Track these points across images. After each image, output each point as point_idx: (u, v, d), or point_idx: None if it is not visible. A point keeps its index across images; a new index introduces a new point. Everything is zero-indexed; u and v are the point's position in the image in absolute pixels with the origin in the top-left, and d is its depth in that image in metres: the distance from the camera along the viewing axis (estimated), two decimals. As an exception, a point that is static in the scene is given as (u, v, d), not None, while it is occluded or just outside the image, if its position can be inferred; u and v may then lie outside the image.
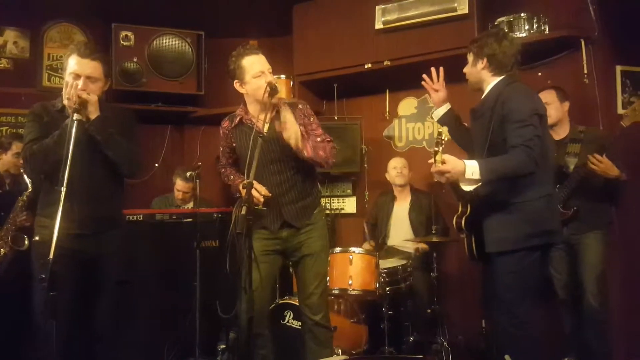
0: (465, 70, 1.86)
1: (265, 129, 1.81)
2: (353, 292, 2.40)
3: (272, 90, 1.77)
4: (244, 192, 1.63)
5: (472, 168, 1.55)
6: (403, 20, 2.75)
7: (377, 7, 2.83)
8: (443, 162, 1.57)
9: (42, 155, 1.70)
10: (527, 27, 2.54)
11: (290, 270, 2.12)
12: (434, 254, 2.64)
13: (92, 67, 1.76)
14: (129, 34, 3.10)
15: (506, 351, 1.66)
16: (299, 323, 2.21)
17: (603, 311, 2.12)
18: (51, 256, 1.41)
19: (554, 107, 2.22)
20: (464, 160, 1.58)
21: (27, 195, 2.19)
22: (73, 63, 1.75)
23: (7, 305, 2.22)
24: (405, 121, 3.29)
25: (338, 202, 3.34)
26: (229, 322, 2.39)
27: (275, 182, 1.86)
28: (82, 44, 1.90)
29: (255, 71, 1.82)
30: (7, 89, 3.01)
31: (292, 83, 3.13)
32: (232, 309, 1.85)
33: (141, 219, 2.60)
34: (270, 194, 1.79)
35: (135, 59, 3.09)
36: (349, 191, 3.34)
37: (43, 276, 1.41)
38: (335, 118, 3.29)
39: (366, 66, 2.89)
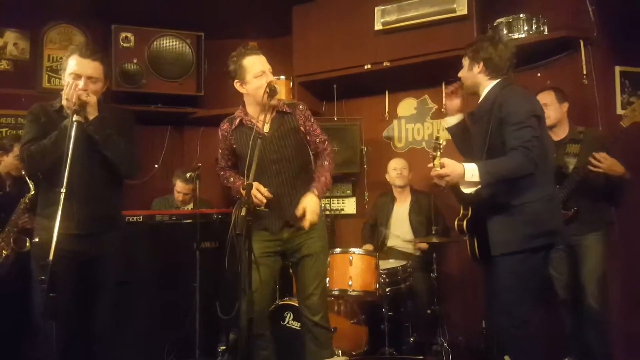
0: (460, 74, 1.87)
1: (266, 130, 1.82)
2: (353, 293, 2.40)
3: (272, 91, 1.78)
4: (244, 193, 1.64)
5: (471, 171, 1.57)
6: (402, 21, 2.76)
7: (376, 8, 2.83)
8: (442, 166, 1.58)
9: (40, 155, 1.71)
10: (526, 28, 2.55)
11: (290, 271, 2.12)
12: (434, 255, 2.64)
13: (93, 67, 1.77)
14: (129, 35, 3.10)
15: (506, 351, 1.67)
16: (299, 324, 2.21)
17: (603, 312, 2.12)
18: (51, 257, 1.41)
19: (553, 108, 2.22)
20: (463, 164, 1.59)
21: (30, 197, 2.19)
22: (74, 63, 1.76)
23: (7, 305, 2.22)
24: (404, 122, 3.29)
25: (338, 203, 3.34)
26: (229, 323, 2.39)
27: (276, 183, 1.87)
28: (83, 44, 1.91)
29: (256, 71, 1.82)
30: (7, 90, 3.01)
31: (291, 84, 3.13)
32: (232, 310, 1.85)
33: (141, 220, 2.60)
34: (271, 195, 1.79)
35: (135, 60, 3.09)
36: (348, 192, 3.34)
37: (43, 277, 1.41)
38: (335, 119, 3.29)
39: (366, 67, 2.89)
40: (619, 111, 2.49)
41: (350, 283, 2.39)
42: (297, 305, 2.21)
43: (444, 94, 2.02)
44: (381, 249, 2.88)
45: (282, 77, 3.07)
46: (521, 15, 2.56)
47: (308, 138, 1.94)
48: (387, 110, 3.27)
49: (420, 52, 2.74)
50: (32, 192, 2.16)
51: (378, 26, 2.83)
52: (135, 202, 2.94)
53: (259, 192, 1.76)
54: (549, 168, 1.74)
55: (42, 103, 1.85)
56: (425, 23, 2.70)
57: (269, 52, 1.93)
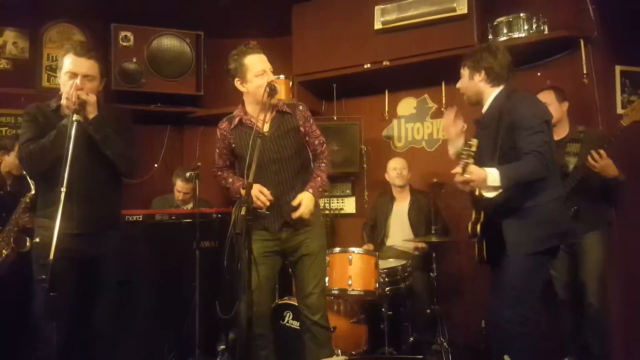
0: (460, 85, 1.90)
1: (265, 129, 1.82)
2: (352, 293, 2.40)
3: (272, 90, 1.78)
4: (244, 192, 1.63)
5: (493, 175, 1.62)
6: (402, 21, 2.75)
7: (376, 7, 2.83)
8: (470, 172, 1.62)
9: (39, 155, 1.71)
10: (526, 27, 2.54)
11: (290, 270, 2.12)
12: (434, 254, 2.64)
13: (88, 65, 1.76)
14: (128, 34, 3.10)
15: (507, 348, 1.69)
16: (298, 323, 2.21)
17: (603, 311, 2.12)
18: (51, 257, 1.41)
19: (553, 107, 2.22)
20: (485, 169, 1.64)
21: (30, 196, 2.19)
22: (69, 62, 1.75)
23: (7, 306, 2.22)
24: (404, 121, 3.29)
25: (337, 202, 3.34)
26: (229, 322, 2.39)
27: (275, 182, 1.87)
28: (78, 43, 1.90)
29: (257, 70, 1.82)
30: (6, 90, 3.01)
31: (291, 83, 3.13)
32: (232, 309, 1.85)
33: (140, 219, 2.60)
34: (272, 199, 1.80)
35: (134, 59, 3.08)
36: (348, 191, 3.34)
37: (43, 277, 1.41)
38: (335, 118, 3.29)
39: (365, 66, 2.89)
40: (619, 111, 2.49)
41: (349, 282, 2.39)
42: (296, 304, 2.21)
43: (444, 118, 2.02)
44: (380, 249, 2.88)
45: (282, 77, 3.06)
46: (521, 14, 2.56)
47: (307, 139, 1.94)
48: (386, 109, 3.27)
49: (420, 52, 2.73)
50: (33, 192, 2.16)
51: (378, 25, 2.82)
52: (135, 201, 2.94)
53: (262, 195, 1.76)
54: (557, 170, 1.81)
55: (39, 103, 1.85)
56: (425, 22, 2.70)
57: (268, 52, 1.92)
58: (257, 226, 1.82)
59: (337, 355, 2.27)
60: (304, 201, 1.83)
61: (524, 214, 1.69)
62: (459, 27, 2.64)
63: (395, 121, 3.30)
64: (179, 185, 3.04)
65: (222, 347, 2.61)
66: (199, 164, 2.71)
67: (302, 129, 1.92)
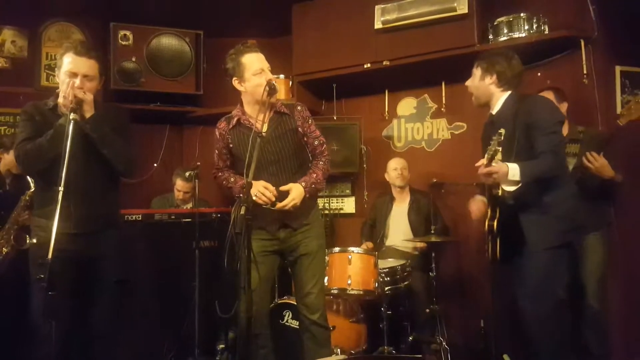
0: (470, 83, 1.96)
1: (264, 130, 1.81)
2: (352, 292, 2.40)
3: (271, 89, 1.77)
4: (244, 192, 1.63)
5: (513, 170, 1.69)
6: (402, 20, 2.75)
7: (376, 7, 2.82)
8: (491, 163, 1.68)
9: (36, 154, 1.70)
10: (526, 27, 2.54)
11: (289, 270, 2.12)
12: (433, 254, 2.64)
13: (88, 65, 1.76)
14: (128, 33, 3.09)
15: (537, 341, 1.73)
16: (298, 323, 2.21)
17: (603, 312, 2.12)
18: (50, 256, 1.41)
19: (553, 107, 2.22)
20: (507, 163, 1.70)
21: (30, 194, 2.18)
22: (69, 61, 1.75)
23: (6, 304, 2.22)
24: (404, 121, 3.29)
25: (337, 202, 3.34)
26: (228, 321, 2.39)
27: (273, 183, 1.86)
28: (78, 42, 1.89)
29: (255, 69, 1.81)
30: (5, 89, 3.00)
31: (291, 83, 3.13)
32: (231, 308, 1.85)
33: (140, 218, 2.59)
34: (277, 194, 1.79)
35: (133, 59, 3.08)
36: (348, 191, 3.34)
37: (42, 276, 1.40)
38: (335, 118, 3.28)
39: (365, 66, 2.89)
40: (619, 111, 2.49)
41: (349, 282, 2.39)
42: (295, 304, 2.21)
43: (475, 203, 2.08)
44: (380, 249, 2.88)
45: (282, 76, 3.06)
46: (522, 14, 2.56)
47: (306, 139, 1.93)
48: (386, 109, 3.27)
49: (420, 51, 2.73)
50: (32, 189, 2.16)
51: (378, 25, 2.82)
52: (134, 200, 2.93)
53: (267, 191, 1.75)
54: (566, 168, 1.91)
55: (36, 102, 1.84)
56: (426, 22, 2.70)
57: (268, 51, 1.92)
58: (255, 226, 1.81)
59: (337, 354, 2.28)
60: (292, 192, 1.79)
61: (544, 209, 1.75)
62: (459, 27, 2.63)
63: (395, 121, 3.30)
64: (179, 184, 3.04)
65: (222, 346, 2.61)
66: (198, 163, 2.71)
67: (300, 129, 1.91)
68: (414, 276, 2.68)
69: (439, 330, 2.51)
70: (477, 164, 1.72)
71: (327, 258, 2.38)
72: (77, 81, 1.72)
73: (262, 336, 1.90)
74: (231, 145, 1.92)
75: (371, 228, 3.05)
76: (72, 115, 1.63)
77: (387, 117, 3.27)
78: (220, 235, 2.60)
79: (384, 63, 2.83)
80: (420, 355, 2.48)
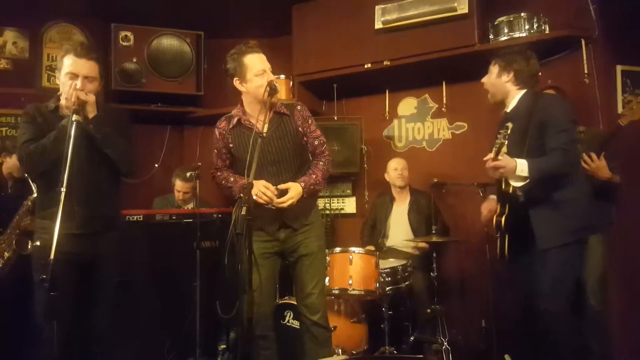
0: (486, 81, 1.96)
1: (265, 130, 1.81)
2: (353, 292, 2.40)
3: (272, 90, 1.77)
4: (245, 192, 1.63)
5: (522, 165, 1.69)
6: (403, 20, 2.75)
7: (376, 7, 2.83)
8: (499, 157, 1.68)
9: (39, 155, 1.71)
10: (527, 27, 2.54)
11: (290, 270, 2.12)
12: (434, 254, 2.64)
13: (89, 67, 1.76)
14: (128, 34, 3.10)
15: (553, 339, 1.73)
16: (299, 323, 2.21)
17: (603, 312, 2.12)
18: (52, 256, 1.41)
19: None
20: (515, 159, 1.70)
21: (32, 199, 2.19)
22: (69, 63, 1.75)
23: (8, 306, 2.22)
24: (404, 121, 3.29)
25: (338, 202, 3.34)
26: (229, 322, 2.39)
27: (274, 183, 1.85)
28: (78, 44, 1.89)
29: (257, 69, 1.81)
30: (6, 90, 3.00)
31: (291, 83, 3.13)
32: (232, 309, 1.85)
33: (141, 219, 2.60)
34: (277, 192, 1.79)
35: (134, 59, 3.08)
36: (348, 191, 3.34)
37: (44, 276, 1.41)
38: (335, 118, 3.29)
39: (366, 66, 2.89)
40: (620, 110, 2.49)
41: (350, 282, 2.39)
42: (296, 304, 2.21)
43: (489, 203, 2.05)
44: (381, 249, 2.88)
45: (282, 77, 3.06)
46: (522, 14, 2.56)
47: (306, 139, 1.93)
48: (387, 109, 3.27)
49: (420, 51, 2.73)
50: (35, 194, 2.16)
51: (378, 25, 2.82)
52: (135, 201, 2.93)
53: (268, 190, 1.75)
54: (580, 166, 1.92)
55: (37, 104, 1.85)
56: (426, 22, 2.70)
57: (268, 51, 1.92)
58: (255, 227, 1.81)
59: (338, 354, 2.28)
60: (290, 191, 1.79)
61: (556, 207, 1.75)
62: (459, 27, 2.63)
63: (395, 121, 3.30)
64: (178, 185, 3.04)
65: (223, 346, 2.61)
66: (199, 164, 2.71)
67: (300, 129, 1.90)
68: (415, 276, 2.68)
69: (440, 330, 2.51)
70: (485, 158, 1.73)
71: (328, 258, 2.39)
72: (78, 83, 1.72)
73: (266, 338, 1.89)
74: (231, 145, 1.92)
75: (371, 228, 3.05)
76: (74, 117, 1.64)
77: (387, 117, 3.27)
78: (221, 236, 2.61)
79: (385, 63, 2.83)
80: (421, 356, 2.47)
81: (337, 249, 2.52)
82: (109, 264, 1.85)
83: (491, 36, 2.65)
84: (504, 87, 1.90)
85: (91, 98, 1.74)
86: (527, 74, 1.86)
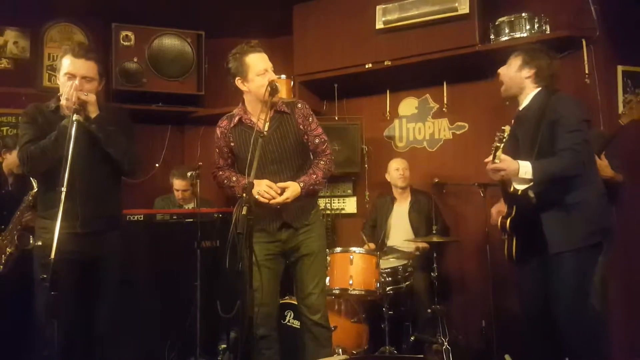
0: (504, 72, 1.88)
1: (266, 129, 1.81)
2: (354, 292, 2.40)
3: (273, 89, 1.77)
4: (246, 191, 1.62)
5: (525, 168, 1.63)
6: (404, 20, 2.75)
7: (377, 7, 2.83)
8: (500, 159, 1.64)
9: (40, 155, 1.71)
10: (528, 27, 2.54)
11: (290, 270, 2.12)
12: (434, 254, 2.64)
13: (87, 67, 1.77)
14: (129, 33, 3.10)
15: (574, 343, 1.68)
16: (299, 323, 2.21)
17: (603, 312, 2.12)
18: (52, 256, 1.42)
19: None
20: (518, 161, 1.65)
21: (33, 194, 2.19)
22: (67, 63, 1.76)
23: (10, 305, 2.22)
24: (405, 121, 3.28)
25: (338, 202, 3.34)
26: (230, 321, 2.39)
27: (274, 182, 1.85)
28: (76, 44, 1.91)
29: (259, 69, 1.81)
30: (7, 89, 3.01)
31: (292, 83, 3.13)
32: (233, 308, 1.85)
33: (142, 219, 2.60)
34: (279, 189, 1.79)
35: (135, 59, 3.08)
36: (349, 191, 3.34)
37: (45, 276, 1.41)
38: (336, 118, 3.28)
39: (367, 66, 2.89)
40: (621, 111, 2.49)
41: (350, 282, 2.39)
42: (297, 304, 2.21)
43: (499, 207, 1.97)
44: (381, 249, 2.88)
45: (283, 76, 3.06)
46: (523, 14, 2.56)
47: (306, 137, 1.92)
48: (388, 109, 3.27)
49: (421, 51, 2.73)
50: (36, 190, 2.16)
51: (379, 25, 2.82)
52: (136, 201, 2.94)
53: (271, 189, 1.75)
54: (595, 167, 1.84)
55: (38, 103, 1.85)
56: (427, 22, 2.70)
57: (269, 51, 1.91)
58: (256, 227, 1.81)
59: (338, 354, 2.28)
60: (288, 191, 1.79)
61: (569, 210, 1.68)
62: (460, 27, 2.63)
63: (396, 121, 3.30)
64: (177, 183, 3.05)
65: (223, 346, 2.62)
66: (200, 163, 2.71)
67: (301, 126, 1.90)
68: (416, 276, 2.68)
69: (440, 330, 2.51)
70: (485, 160, 1.69)
71: (328, 258, 2.39)
72: (77, 83, 1.73)
73: (268, 337, 1.89)
74: (232, 144, 1.92)
75: (372, 228, 3.05)
76: (75, 117, 1.64)
77: (388, 117, 3.27)
78: (222, 235, 2.61)
79: (386, 63, 2.84)
80: (421, 356, 2.48)
81: (338, 249, 2.52)
82: (111, 264, 1.86)
83: (492, 36, 2.65)
84: (522, 82, 1.82)
85: (92, 98, 1.74)
86: (548, 72, 1.80)
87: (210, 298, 2.41)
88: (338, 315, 2.53)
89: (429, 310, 2.59)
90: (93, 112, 1.74)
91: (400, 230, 2.93)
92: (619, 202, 2.21)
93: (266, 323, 1.86)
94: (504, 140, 1.64)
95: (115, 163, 1.81)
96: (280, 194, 1.78)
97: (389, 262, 2.68)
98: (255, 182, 1.67)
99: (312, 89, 3.23)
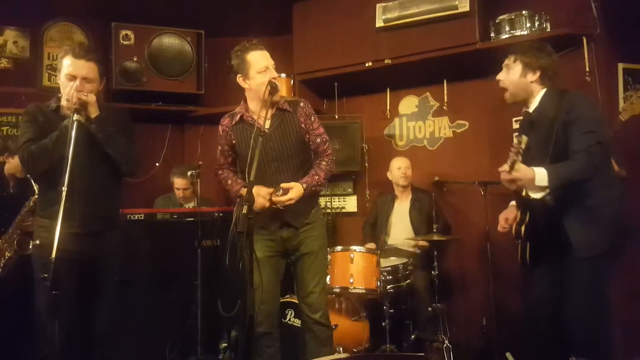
0: (504, 77, 1.80)
1: (266, 127, 1.81)
2: (354, 291, 2.41)
3: (273, 88, 1.77)
4: (245, 192, 1.63)
5: (541, 175, 1.57)
6: (404, 18, 2.74)
7: (377, 5, 2.82)
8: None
9: (41, 155, 1.71)
10: (528, 25, 2.53)
11: (291, 269, 2.12)
12: (435, 253, 2.64)
13: (87, 68, 1.77)
14: (129, 33, 3.09)
15: (584, 348, 1.65)
16: (300, 321, 2.21)
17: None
18: (53, 255, 1.42)
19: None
20: (533, 168, 1.59)
21: (34, 200, 2.20)
22: (68, 64, 1.76)
23: (10, 306, 2.23)
24: (406, 120, 3.28)
25: (339, 201, 3.34)
26: (231, 320, 2.39)
27: (274, 181, 1.86)
28: (77, 44, 1.91)
29: (260, 66, 1.82)
30: (7, 89, 3.01)
31: (292, 82, 3.12)
32: (234, 307, 1.85)
33: (142, 218, 2.60)
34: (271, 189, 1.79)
35: (135, 58, 3.08)
36: (349, 190, 3.34)
37: (46, 275, 1.41)
38: (336, 117, 3.28)
39: (367, 64, 2.88)
40: (622, 107, 2.48)
41: (351, 281, 2.39)
42: (297, 302, 2.21)
43: (510, 210, 1.92)
44: (382, 247, 2.88)
45: (283, 75, 3.05)
46: (523, 12, 2.55)
47: (308, 136, 1.92)
48: (388, 108, 3.26)
49: (421, 50, 2.72)
50: (37, 195, 2.16)
51: (379, 23, 2.81)
52: (136, 200, 2.94)
53: (260, 197, 1.75)
54: (611, 168, 1.78)
55: (38, 103, 1.85)
56: (427, 20, 2.69)
57: (269, 50, 1.91)
58: (257, 226, 1.81)
59: (339, 353, 2.28)
60: (291, 192, 1.79)
61: (590, 213, 1.64)
62: (460, 25, 2.63)
63: (396, 119, 3.29)
64: (177, 182, 3.05)
65: (224, 344, 2.62)
66: (200, 162, 2.72)
67: (303, 125, 1.90)
68: (416, 275, 2.68)
69: (441, 328, 2.51)
70: (499, 169, 1.61)
71: (329, 257, 2.39)
72: (77, 83, 1.73)
73: (269, 335, 1.89)
74: (234, 142, 1.93)
75: (372, 226, 3.05)
76: (75, 117, 1.64)
77: (388, 116, 3.27)
78: (222, 234, 2.61)
79: (386, 61, 2.83)
80: (422, 354, 2.48)
81: (338, 248, 2.53)
82: (110, 263, 1.86)
83: (492, 34, 2.64)
84: (529, 87, 1.74)
85: (92, 98, 1.74)
86: (552, 71, 1.72)
87: (211, 297, 2.42)
88: (339, 314, 2.53)
89: (430, 309, 2.59)
90: (93, 112, 1.75)
91: (400, 228, 2.93)
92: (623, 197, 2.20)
93: (267, 321, 1.86)
94: (521, 152, 1.55)
95: (115, 163, 1.81)
96: (282, 193, 1.78)
97: (390, 261, 2.68)
98: (255, 191, 1.66)
99: (312, 88, 3.23)
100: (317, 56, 3.03)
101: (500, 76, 1.81)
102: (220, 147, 1.97)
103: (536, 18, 2.53)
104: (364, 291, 2.42)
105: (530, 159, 1.66)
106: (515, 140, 1.58)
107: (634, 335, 2.33)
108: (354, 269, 2.42)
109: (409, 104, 3.28)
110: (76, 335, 1.74)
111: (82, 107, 1.70)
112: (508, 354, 2.38)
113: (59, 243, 1.44)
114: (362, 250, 2.50)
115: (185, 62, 3.18)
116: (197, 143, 3.53)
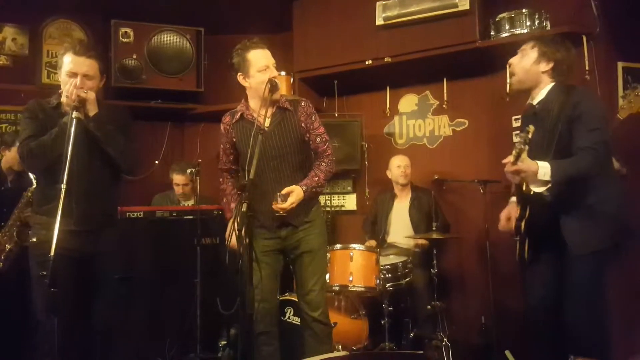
0: (516, 62, 1.77)
1: (266, 125, 1.81)
2: (353, 289, 2.41)
3: (273, 86, 1.77)
4: (244, 191, 1.63)
5: (544, 169, 1.56)
6: (404, 16, 2.74)
7: (377, 3, 2.82)
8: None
9: (41, 152, 1.71)
10: (528, 23, 2.53)
11: (291, 267, 2.13)
12: (434, 251, 2.64)
13: (88, 65, 1.76)
14: (129, 30, 3.09)
15: (582, 346, 1.63)
16: (299, 319, 2.22)
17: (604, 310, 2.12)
18: (52, 253, 1.42)
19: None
20: (537, 162, 1.57)
21: (32, 191, 2.19)
22: (68, 61, 1.75)
23: (8, 301, 2.23)
24: (405, 118, 3.28)
25: (338, 199, 3.34)
26: (230, 318, 2.40)
27: (274, 179, 1.86)
28: (77, 42, 1.90)
29: (260, 65, 1.81)
30: (6, 86, 3.00)
31: (292, 80, 3.12)
32: (233, 305, 1.85)
33: (141, 215, 2.60)
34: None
35: (134, 56, 3.08)
36: (349, 188, 3.34)
37: (44, 273, 1.41)
38: (336, 115, 3.28)
39: (367, 62, 2.88)
40: (620, 105, 2.48)
41: (350, 279, 2.39)
42: (297, 300, 2.21)
43: (510, 208, 1.88)
44: (381, 245, 2.88)
45: (283, 73, 3.05)
46: (523, 10, 2.55)
47: (308, 135, 1.92)
48: (388, 106, 3.26)
49: (421, 48, 2.72)
50: (35, 186, 2.16)
51: (379, 21, 2.81)
52: (136, 198, 2.94)
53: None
54: (613, 165, 1.78)
55: (38, 99, 1.85)
56: (427, 18, 2.69)
57: (269, 48, 1.90)
58: (256, 224, 1.81)
59: (338, 350, 2.29)
60: (292, 196, 1.78)
61: (590, 210, 1.63)
62: (460, 23, 2.62)
63: (396, 118, 3.29)
64: (176, 178, 3.05)
65: (224, 342, 2.62)
66: (199, 160, 2.71)
67: (303, 124, 1.90)
68: (415, 273, 2.69)
69: (440, 326, 2.52)
70: (504, 161, 1.58)
71: (328, 255, 2.39)
72: (78, 81, 1.72)
73: (268, 334, 1.90)
74: (234, 139, 1.93)
75: (372, 224, 3.05)
76: (74, 114, 1.64)
77: (388, 114, 3.27)
78: (221, 232, 2.60)
79: (386, 60, 2.83)
80: (421, 352, 2.48)
81: (338, 246, 2.53)
82: (108, 260, 1.86)
83: (492, 33, 2.64)
84: (538, 76, 1.71)
85: (91, 96, 1.74)
86: (566, 66, 1.70)
87: (210, 295, 2.42)
88: (338, 312, 2.54)
89: (429, 307, 2.60)
90: (92, 110, 1.74)
91: (400, 226, 2.93)
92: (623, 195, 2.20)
93: (266, 319, 1.87)
94: (528, 142, 1.52)
95: (113, 161, 1.81)
96: (284, 200, 1.78)
97: (389, 259, 2.68)
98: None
99: (312, 86, 3.23)
100: (317, 54, 3.02)
101: (513, 60, 1.78)
102: (222, 146, 1.98)
103: (536, 16, 2.53)
104: (363, 289, 2.42)
105: (531, 153, 1.63)
106: (516, 139, 1.57)
107: (634, 335, 2.34)
108: (353, 267, 2.42)
109: (408, 102, 3.28)
110: (75, 332, 1.74)
111: (81, 104, 1.69)
112: (507, 352, 2.39)
113: (57, 240, 1.43)
114: (361, 248, 2.50)
115: (184, 60, 3.17)
116: (196, 141, 3.53)
